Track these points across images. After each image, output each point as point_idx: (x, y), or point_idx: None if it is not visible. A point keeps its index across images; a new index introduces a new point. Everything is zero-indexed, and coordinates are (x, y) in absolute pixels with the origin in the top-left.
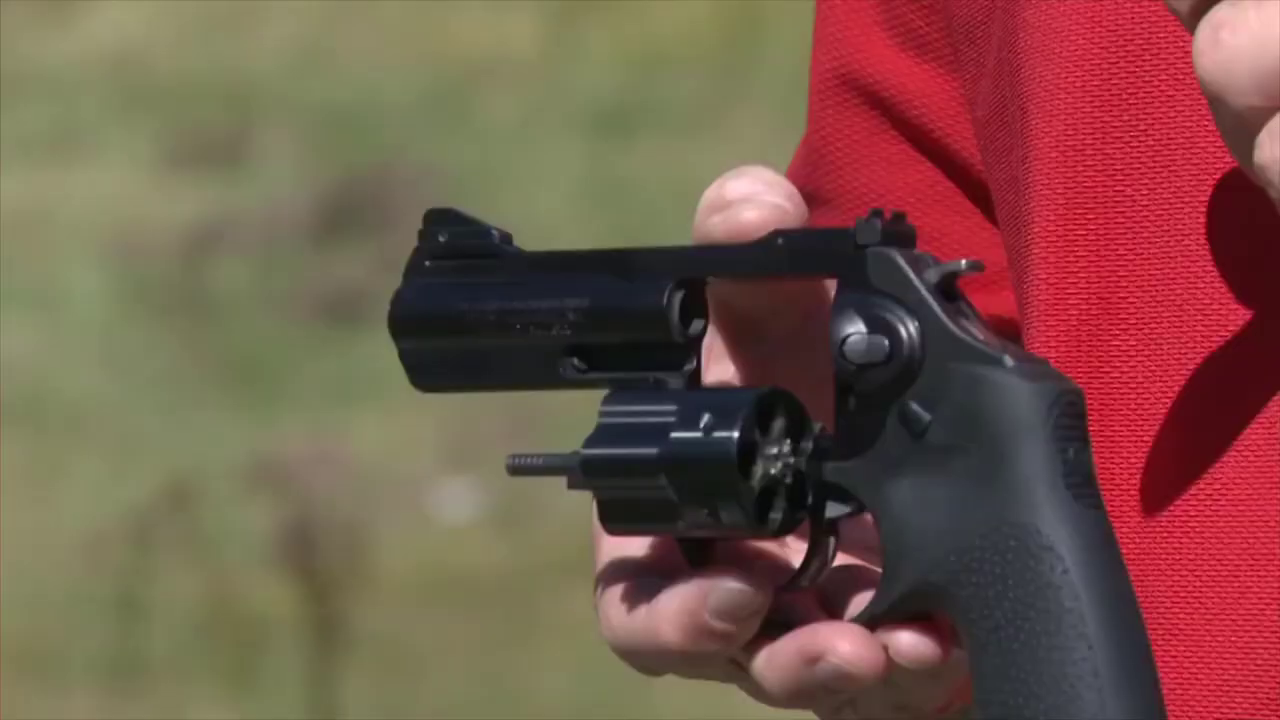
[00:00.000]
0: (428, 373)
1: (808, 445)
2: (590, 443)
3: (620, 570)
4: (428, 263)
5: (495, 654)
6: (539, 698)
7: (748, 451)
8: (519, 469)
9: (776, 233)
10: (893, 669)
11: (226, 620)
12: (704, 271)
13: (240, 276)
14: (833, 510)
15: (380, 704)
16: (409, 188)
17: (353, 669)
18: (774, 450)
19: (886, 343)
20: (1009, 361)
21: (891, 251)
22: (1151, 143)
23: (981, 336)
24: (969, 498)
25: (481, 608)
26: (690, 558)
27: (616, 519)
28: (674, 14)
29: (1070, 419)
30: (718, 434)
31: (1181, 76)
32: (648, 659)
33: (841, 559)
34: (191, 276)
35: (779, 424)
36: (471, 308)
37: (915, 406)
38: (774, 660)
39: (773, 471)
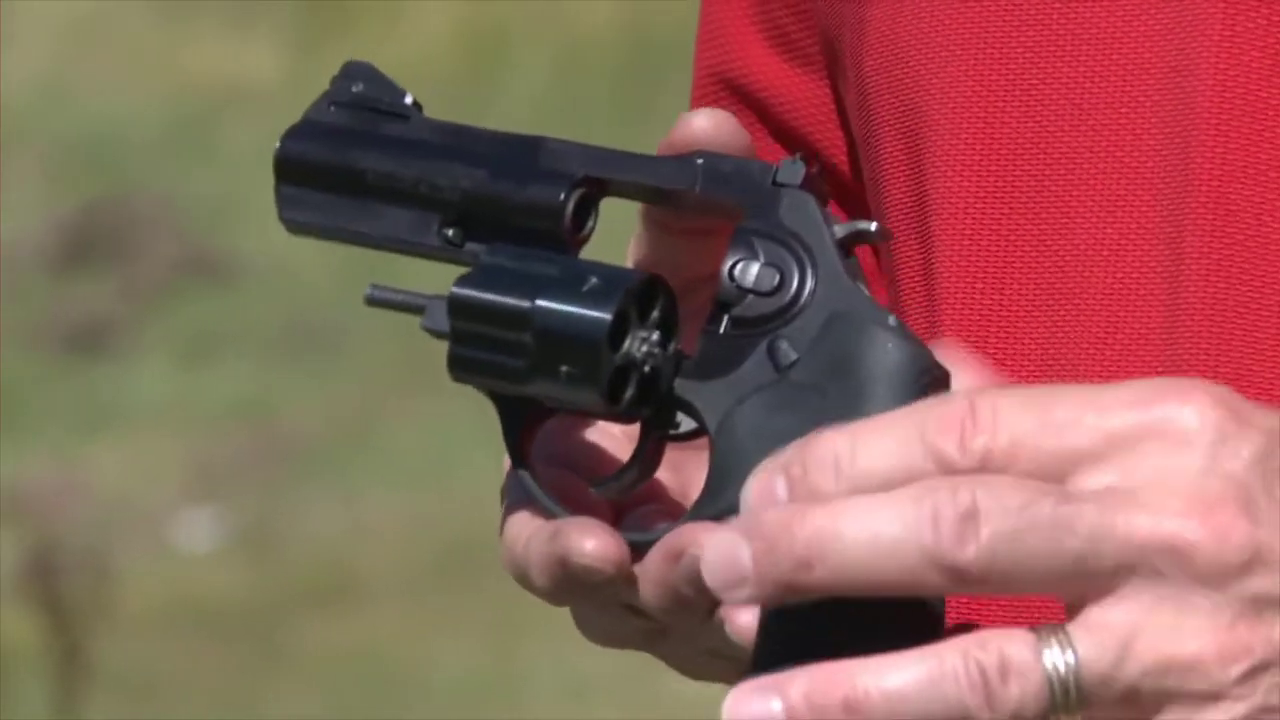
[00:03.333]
0: (298, 209)
1: (672, 349)
2: (464, 282)
3: (516, 498)
4: (331, 107)
5: (240, 683)
6: None
7: (621, 325)
8: (376, 300)
9: (698, 153)
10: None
11: None
12: (610, 173)
13: None
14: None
15: None
16: (150, 218)
17: (97, 700)
18: (644, 335)
19: (778, 276)
20: (892, 321)
21: (808, 195)
22: (1050, 160)
23: (869, 296)
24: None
25: (225, 637)
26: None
27: (466, 368)
28: (414, 39)
29: (936, 393)
30: (596, 300)
31: (1073, 88)
32: (538, 594)
33: (653, 506)
34: None
35: (655, 315)
36: (364, 154)
37: (785, 344)
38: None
39: (636, 354)
